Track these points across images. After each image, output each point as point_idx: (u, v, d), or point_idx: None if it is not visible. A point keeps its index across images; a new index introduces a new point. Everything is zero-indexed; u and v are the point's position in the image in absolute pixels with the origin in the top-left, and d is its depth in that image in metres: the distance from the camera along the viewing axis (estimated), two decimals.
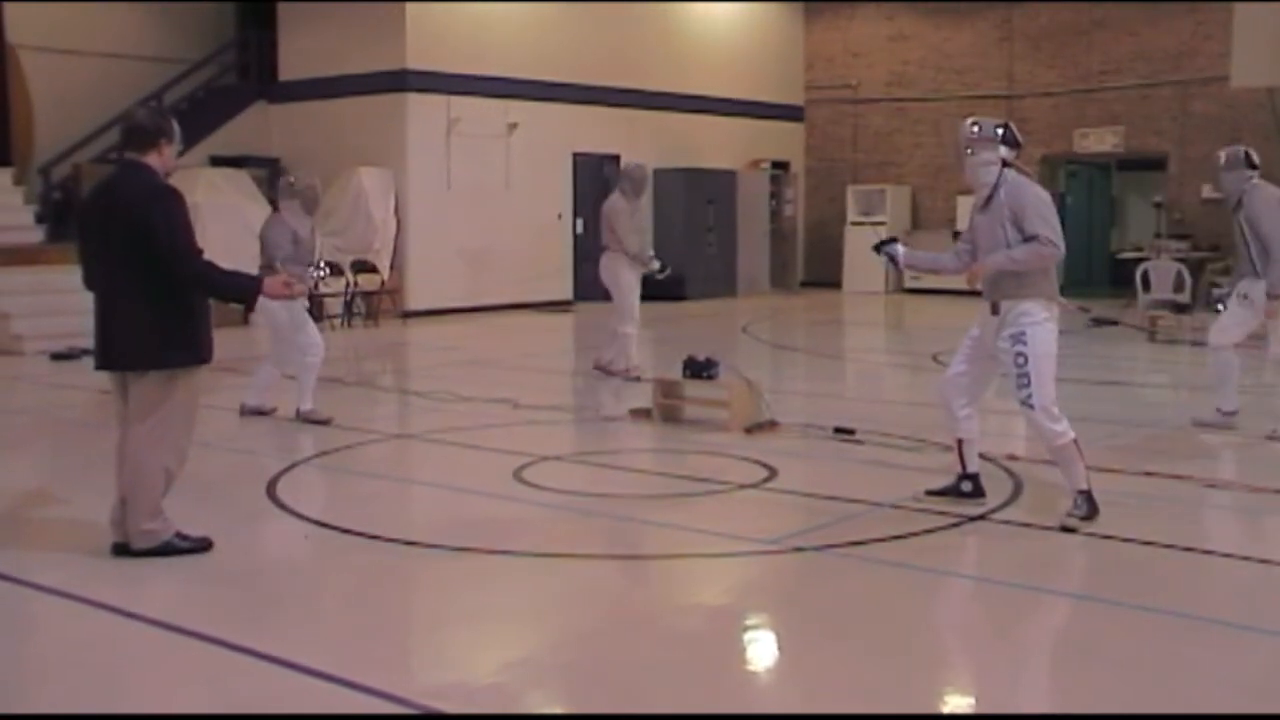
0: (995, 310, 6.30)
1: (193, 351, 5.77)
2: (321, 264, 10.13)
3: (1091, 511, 6.28)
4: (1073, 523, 6.25)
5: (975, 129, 6.36)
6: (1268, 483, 7.25)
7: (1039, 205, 6.21)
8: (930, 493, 6.77)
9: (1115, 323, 12.71)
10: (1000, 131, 6.31)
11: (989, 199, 6.33)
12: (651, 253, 11.87)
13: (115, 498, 5.84)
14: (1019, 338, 6.18)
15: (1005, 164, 6.29)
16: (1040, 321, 6.20)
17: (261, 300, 9.26)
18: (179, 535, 5.82)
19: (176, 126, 5.85)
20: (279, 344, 9.62)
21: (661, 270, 11.86)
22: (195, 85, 19.75)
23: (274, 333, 9.69)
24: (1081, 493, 6.32)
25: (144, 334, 5.64)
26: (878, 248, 6.80)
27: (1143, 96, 20.86)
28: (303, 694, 4.26)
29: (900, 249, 6.75)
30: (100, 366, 5.83)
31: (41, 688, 4.45)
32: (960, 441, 6.66)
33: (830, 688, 4.39)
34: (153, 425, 5.69)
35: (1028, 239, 6.16)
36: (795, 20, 23.97)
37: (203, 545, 5.86)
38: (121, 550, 5.82)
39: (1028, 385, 6.17)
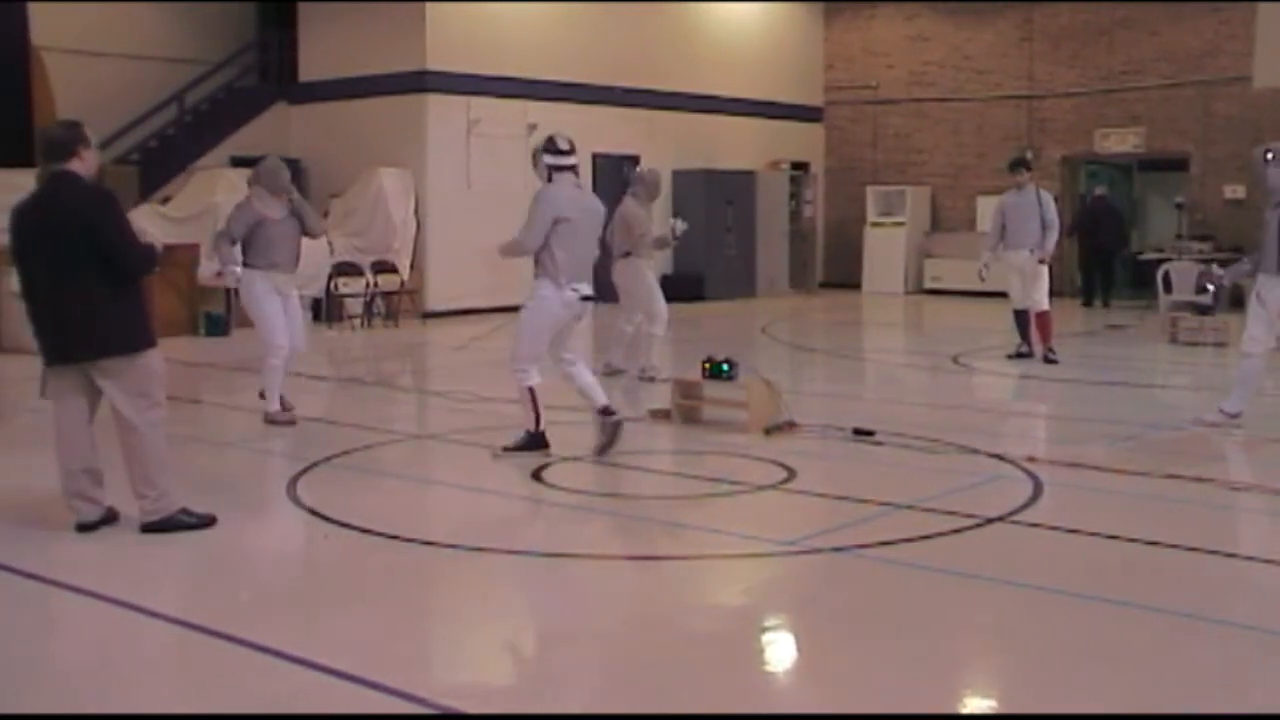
0: None
1: (149, 334, 6.10)
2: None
3: (526, 444, 7.91)
4: (499, 450, 7.94)
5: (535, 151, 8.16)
6: None
7: (531, 210, 7.82)
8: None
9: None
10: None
11: None
12: (671, 222, 12.25)
13: (71, 484, 6.11)
14: (526, 305, 7.98)
15: (550, 180, 7.97)
16: (544, 297, 7.80)
17: (245, 294, 9.42)
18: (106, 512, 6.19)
19: (89, 133, 6.09)
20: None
21: (682, 225, 12.17)
22: (216, 86, 19.84)
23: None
24: (528, 432, 7.95)
25: (110, 320, 5.93)
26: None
27: (1164, 97, 20.74)
28: (321, 693, 4.27)
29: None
30: (70, 358, 6.02)
31: (52, 685, 4.45)
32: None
33: (849, 688, 4.39)
34: (140, 404, 5.99)
35: None
36: (815, 20, 23.93)
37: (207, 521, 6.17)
38: (87, 528, 6.09)
39: (513, 339, 7.99)
